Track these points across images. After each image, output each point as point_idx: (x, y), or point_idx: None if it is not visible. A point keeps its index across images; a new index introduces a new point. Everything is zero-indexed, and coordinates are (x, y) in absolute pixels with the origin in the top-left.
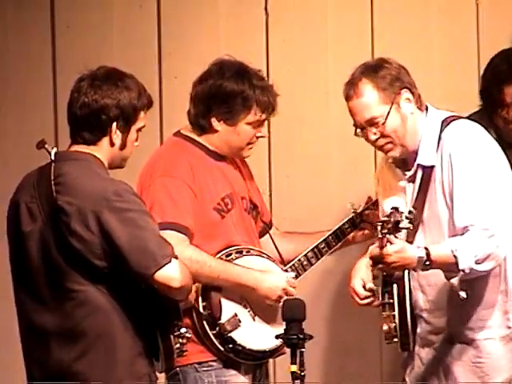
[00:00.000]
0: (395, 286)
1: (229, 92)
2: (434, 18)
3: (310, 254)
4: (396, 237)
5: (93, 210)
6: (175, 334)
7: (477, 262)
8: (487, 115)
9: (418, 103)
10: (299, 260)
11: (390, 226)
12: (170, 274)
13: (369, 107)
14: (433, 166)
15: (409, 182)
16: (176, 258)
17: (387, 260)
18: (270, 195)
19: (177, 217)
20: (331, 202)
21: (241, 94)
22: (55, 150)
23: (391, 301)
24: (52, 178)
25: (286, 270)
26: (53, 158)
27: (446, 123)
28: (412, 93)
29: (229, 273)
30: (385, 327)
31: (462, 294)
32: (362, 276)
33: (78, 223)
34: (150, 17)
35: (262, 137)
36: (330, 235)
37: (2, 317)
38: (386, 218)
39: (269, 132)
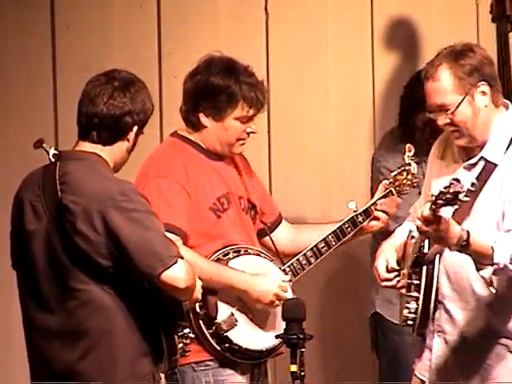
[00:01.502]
0: (425, 268)
1: (214, 87)
2: (434, 18)
3: (308, 253)
4: (453, 205)
5: (98, 209)
6: (179, 334)
7: (511, 262)
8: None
9: (494, 97)
10: (298, 259)
11: (448, 196)
12: (177, 275)
13: (442, 93)
14: (496, 165)
15: (465, 169)
16: (182, 258)
17: (438, 225)
18: (270, 195)
19: (170, 218)
20: (331, 202)
21: (226, 89)
22: (53, 149)
23: (418, 282)
24: (57, 177)
25: (284, 270)
26: (51, 157)
27: None
28: (491, 86)
29: (221, 275)
30: (405, 311)
31: (492, 289)
32: (388, 256)
33: (83, 223)
34: (150, 17)
35: (252, 133)
36: (329, 234)
37: (2, 317)
38: (444, 189)
39: (269, 132)
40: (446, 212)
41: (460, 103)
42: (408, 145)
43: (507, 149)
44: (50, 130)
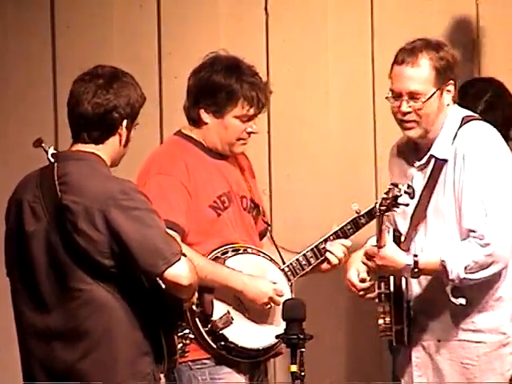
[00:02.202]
0: (392, 276)
1: (215, 84)
2: (434, 18)
3: (309, 253)
4: (395, 210)
5: (100, 208)
6: (179, 334)
7: (468, 272)
8: None
9: (454, 98)
10: (297, 259)
11: (388, 202)
12: (180, 272)
13: (418, 81)
14: (445, 160)
15: (418, 170)
16: (184, 255)
17: (376, 261)
18: (270, 195)
19: (169, 214)
20: (331, 202)
21: (227, 87)
22: (52, 148)
23: (387, 291)
24: (56, 177)
25: (283, 270)
26: (50, 156)
27: (465, 121)
28: (455, 86)
29: (217, 274)
30: (380, 321)
31: (461, 301)
32: (357, 267)
33: (84, 222)
34: (150, 17)
35: (252, 133)
36: (330, 235)
37: (2, 317)
38: (384, 196)
39: (269, 132)
40: (390, 240)
41: (432, 95)
42: None
43: (453, 141)
44: (50, 130)
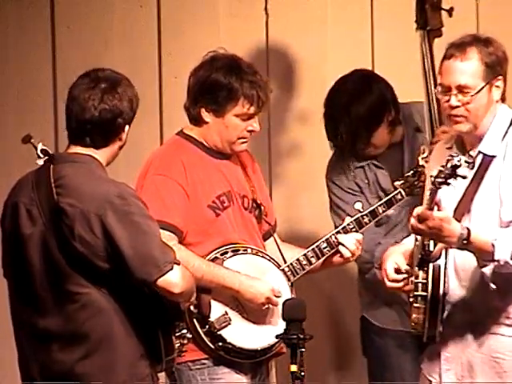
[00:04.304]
0: (431, 266)
1: (215, 83)
2: None
3: (309, 253)
4: (451, 184)
5: (96, 213)
6: (176, 334)
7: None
8: None
9: (503, 95)
10: (298, 259)
11: (446, 172)
12: (172, 281)
13: (468, 74)
14: (494, 157)
15: (464, 166)
16: (178, 263)
17: (429, 223)
18: (270, 195)
19: (165, 215)
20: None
21: (227, 85)
22: (41, 144)
23: (425, 281)
24: (52, 180)
25: (283, 269)
26: (39, 153)
27: None
28: (505, 82)
29: (213, 274)
30: (413, 315)
31: (492, 285)
32: (396, 259)
33: (81, 226)
34: (150, 17)
35: (253, 131)
36: (332, 235)
37: (3, 317)
38: (441, 167)
39: (269, 132)
40: (448, 209)
41: (482, 88)
42: (422, 147)
43: (503, 138)
44: (50, 131)
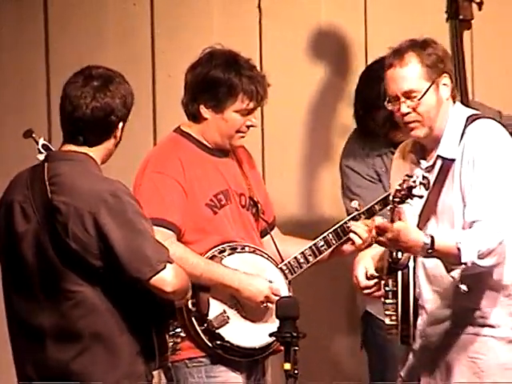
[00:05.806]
0: (400, 273)
1: (215, 80)
2: (430, 17)
3: (307, 251)
4: (408, 202)
5: (90, 211)
6: (170, 332)
7: (479, 257)
8: None
9: (452, 92)
10: (295, 258)
11: (403, 193)
12: (165, 280)
13: (410, 79)
14: (453, 160)
15: (426, 171)
16: (171, 262)
17: (388, 235)
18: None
19: (163, 213)
20: (331, 202)
21: (226, 82)
22: (42, 139)
23: (395, 288)
24: (46, 178)
25: (281, 268)
26: (40, 147)
27: (471, 119)
28: (451, 79)
29: (212, 272)
30: (387, 320)
31: (463, 287)
32: (366, 264)
33: (75, 224)
34: (144, 15)
35: (252, 126)
36: (329, 233)
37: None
38: (398, 187)
39: (262, 129)
40: (410, 220)
41: (427, 89)
42: None
43: (460, 141)
44: (44, 129)
